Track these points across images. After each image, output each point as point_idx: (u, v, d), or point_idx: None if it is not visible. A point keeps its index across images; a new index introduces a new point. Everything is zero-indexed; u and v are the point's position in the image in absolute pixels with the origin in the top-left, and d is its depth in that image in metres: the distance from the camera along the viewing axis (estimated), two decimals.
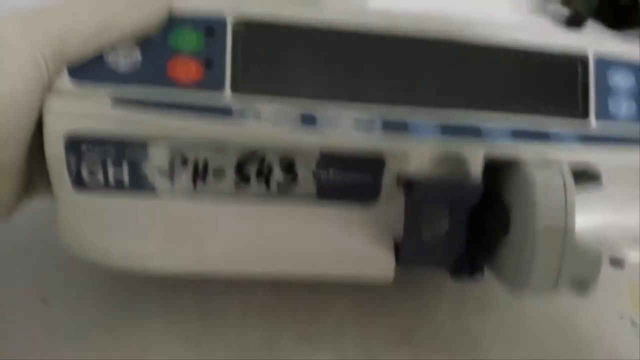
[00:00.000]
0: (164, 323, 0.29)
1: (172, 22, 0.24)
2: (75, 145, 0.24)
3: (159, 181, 0.25)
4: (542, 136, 0.25)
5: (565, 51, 0.27)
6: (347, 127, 0.24)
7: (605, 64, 0.27)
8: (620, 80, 0.27)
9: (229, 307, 0.31)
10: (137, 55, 0.24)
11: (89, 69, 0.23)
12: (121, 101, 0.23)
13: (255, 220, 0.26)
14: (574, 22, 0.82)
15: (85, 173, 0.24)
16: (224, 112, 0.24)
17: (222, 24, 0.24)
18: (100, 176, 0.24)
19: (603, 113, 0.27)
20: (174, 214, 0.25)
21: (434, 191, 0.25)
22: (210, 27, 0.24)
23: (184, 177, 0.25)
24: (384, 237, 0.27)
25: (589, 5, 0.82)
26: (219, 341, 0.29)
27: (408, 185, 0.25)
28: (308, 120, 0.24)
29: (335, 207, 0.27)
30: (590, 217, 0.26)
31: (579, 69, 0.27)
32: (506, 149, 0.25)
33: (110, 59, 0.23)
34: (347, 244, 0.27)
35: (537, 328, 0.33)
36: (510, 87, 0.26)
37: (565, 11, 0.84)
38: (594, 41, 0.27)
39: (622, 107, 0.27)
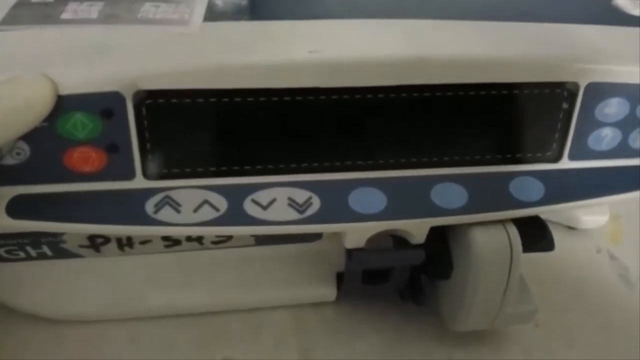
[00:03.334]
0: None
1: (62, 109, 0.19)
2: None
3: (84, 251, 0.24)
4: (497, 203, 0.23)
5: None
6: (280, 213, 0.21)
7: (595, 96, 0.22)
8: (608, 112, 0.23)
9: None
10: (25, 151, 0.20)
11: None
12: (18, 203, 0.20)
13: (193, 266, 0.25)
14: None
15: (3, 254, 0.23)
16: (137, 205, 0.21)
17: (119, 101, 0.19)
18: (22, 254, 0.23)
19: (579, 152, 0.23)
20: (104, 271, 0.25)
21: (374, 261, 0.24)
22: (107, 109, 0.19)
23: (110, 246, 0.24)
24: (326, 269, 0.27)
25: None
26: None
27: (347, 252, 0.24)
28: (235, 211, 0.21)
29: (276, 247, 0.26)
30: None
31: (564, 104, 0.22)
32: (455, 220, 0.23)
33: None
34: (289, 276, 0.27)
35: None
36: (467, 136, 0.22)
37: None
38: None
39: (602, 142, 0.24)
